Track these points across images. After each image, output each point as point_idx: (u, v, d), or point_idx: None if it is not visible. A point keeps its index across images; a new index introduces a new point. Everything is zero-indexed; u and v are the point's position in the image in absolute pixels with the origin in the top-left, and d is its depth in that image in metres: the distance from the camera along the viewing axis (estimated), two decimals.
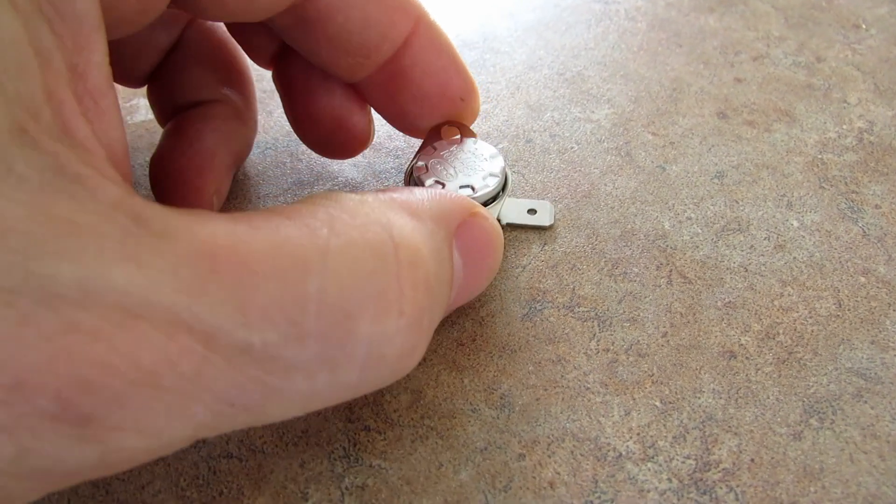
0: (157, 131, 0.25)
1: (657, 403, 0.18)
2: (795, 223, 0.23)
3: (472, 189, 0.20)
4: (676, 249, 0.22)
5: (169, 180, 0.21)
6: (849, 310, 0.20)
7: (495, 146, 0.21)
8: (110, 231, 0.11)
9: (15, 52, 0.11)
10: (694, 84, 0.28)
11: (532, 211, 0.23)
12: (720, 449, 0.17)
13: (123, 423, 0.11)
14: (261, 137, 0.26)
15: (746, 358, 0.19)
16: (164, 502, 0.17)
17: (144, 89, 0.24)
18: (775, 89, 0.28)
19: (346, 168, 0.25)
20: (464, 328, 0.20)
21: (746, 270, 0.21)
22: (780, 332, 0.20)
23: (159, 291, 0.11)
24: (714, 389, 0.18)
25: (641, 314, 0.20)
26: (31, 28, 0.11)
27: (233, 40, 0.23)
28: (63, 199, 0.10)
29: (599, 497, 0.16)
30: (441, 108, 0.21)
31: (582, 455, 0.17)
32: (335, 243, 0.13)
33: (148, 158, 0.26)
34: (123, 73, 0.23)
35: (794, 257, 0.22)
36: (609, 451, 0.17)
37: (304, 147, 0.26)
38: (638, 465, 0.17)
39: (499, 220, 0.22)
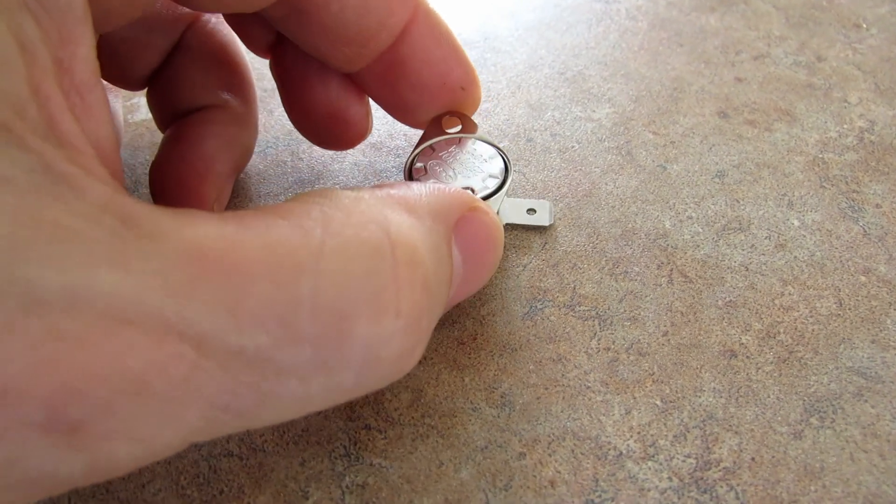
0: (158, 130, 0.25)
1: (658, 402, 0.18)
2: (796, 222, 0.23)
3: (472, 191, 0.20)
4: (677, 248, 0.22)
5: (169, 187, 0.21)
6: (849, 309, 0.20)
7: (496, 143, 0.21)
8: (97, 234, 0.10)
9: None
10: (695, 83, 0.28)
11: (531, 211, 0.23)
12: (721, 448, 0.17)
13: (113, 431, 0.11)
14: (261, 136, 0.26)
15: (747, 357, 0.19)
16: (165, 501, 0.17)
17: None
18: (776, 89, 0.28)
19: (346, 167, 0.25)
20: (464, 327, 0.20)
21: (747, 269, 0.21)
22: (781, 331, 0.20)
23: (147, 296, 0.10)
24: (715, 388, 0.18)
25: (642, 313, 0.20)
26: (14, 21, 0.11)
27: (234, 43, 0.23)
28: (49, 201, 0.10)
29: (600, 496, 0.16)
30: (441, 98, 0.21)
31: (582, 454, 0.17)
32: (329, 243, 0.12)
33: (149, 157, 0.26)
34: (121, 75, 0.22)
35: (795, 256, 0.22)
36: (610, 449, 0.17)
37: (305, 146, 0.26)
38: (638, 463, 0.17)
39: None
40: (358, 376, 0.13)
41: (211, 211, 0.20)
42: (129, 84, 0.23)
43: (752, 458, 0.17)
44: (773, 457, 0.17)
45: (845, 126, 0.26)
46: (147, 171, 0.24)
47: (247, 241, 0.12)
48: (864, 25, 0.31)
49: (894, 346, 0.19)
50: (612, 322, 0.20)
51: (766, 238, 0.22)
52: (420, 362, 0.19)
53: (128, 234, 0.11)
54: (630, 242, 0.22)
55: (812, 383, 0.18)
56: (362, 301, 0.12)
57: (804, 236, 0.22)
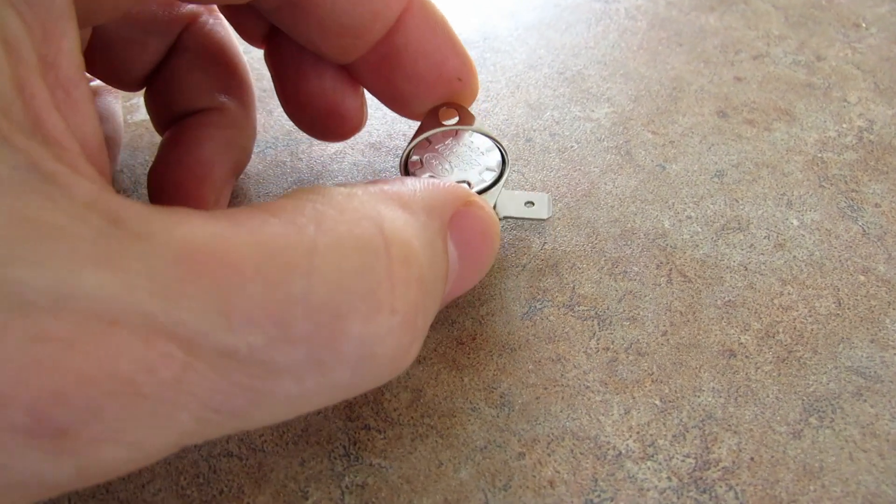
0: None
1: (657, 402, 0.18)
2: (795, 222, 0.23)
3: (469, 184, 0.20)
4: (676, 248, 0.22)
5: (168, 191, 0.20)
6: (848, 308, 0.20)
7: (494, 135, 0.21)
8: (84, 233, 0.10)
9: None
10: (694, 83, 0.28)
11: (530, 203, 0.22)
12: (720, 447, 0.17)
13: (101, 435, 0.10)
14: (261, 137, 0.26)
15: (746, 356, 0.19)
16: (165, 501, 0.17)
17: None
18: (775, 88, 0.28)
19: (346, 167, 0.25)
20: (463, 327, 0.20)
21: (746, 269, 0.21)
22: (780, 330, 0.20)
23: (135, 296, 0.10)
24: (714, 388, 0.18)
25: (641, 313, 0.20)
26: None
27: (232, 45, 0.23)
28: (35, 200, 0.10)
29: (599, 496, 0.16)
30: (438, 89, 0.20)
31: (582, 454, 0.17)
32: (322, 240, 0.12)
33: (148, 158, 0.26)
34: (118, 75, 0.22)
35: (794, 256, 0.22)
36: (609, 449, 0.17)
37: (304, 146, 0.26)
38: (638, 463, 0.17)
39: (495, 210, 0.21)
40: (354, 375, 0.13)
41: None
42: (126, 85, 0.23)
43: (752, 458, 0.17)
44: (773, 456, 0.17)
45: (844, 125, 0.26)
46: (146, 171, 0.24)
47: (238, 240, 0.11)
48: (864, 25, 0.31)
49: (893, 346, 0.19)
50: (611, 322, 0.20)
51: (765, 238, 0.22)
52: (419, 362, 0.19)
53: (115, 232, 0.10)
54: (629, 242, 0.22)
55: (811, 383, 0.18)
56: (357, 298, 0.12)
57: (803, 236, 0.22)
